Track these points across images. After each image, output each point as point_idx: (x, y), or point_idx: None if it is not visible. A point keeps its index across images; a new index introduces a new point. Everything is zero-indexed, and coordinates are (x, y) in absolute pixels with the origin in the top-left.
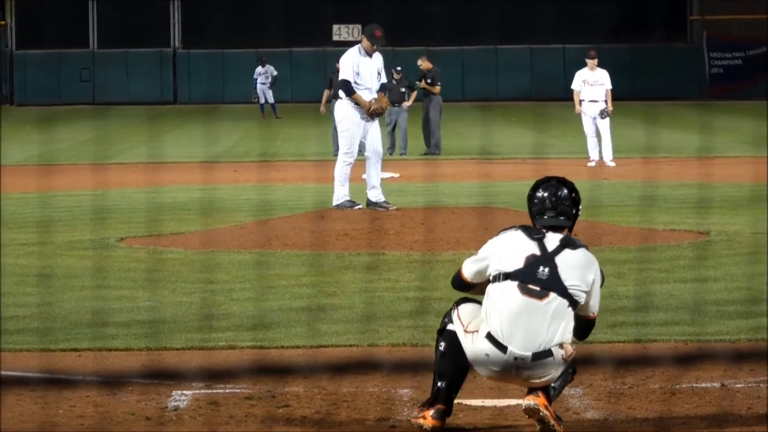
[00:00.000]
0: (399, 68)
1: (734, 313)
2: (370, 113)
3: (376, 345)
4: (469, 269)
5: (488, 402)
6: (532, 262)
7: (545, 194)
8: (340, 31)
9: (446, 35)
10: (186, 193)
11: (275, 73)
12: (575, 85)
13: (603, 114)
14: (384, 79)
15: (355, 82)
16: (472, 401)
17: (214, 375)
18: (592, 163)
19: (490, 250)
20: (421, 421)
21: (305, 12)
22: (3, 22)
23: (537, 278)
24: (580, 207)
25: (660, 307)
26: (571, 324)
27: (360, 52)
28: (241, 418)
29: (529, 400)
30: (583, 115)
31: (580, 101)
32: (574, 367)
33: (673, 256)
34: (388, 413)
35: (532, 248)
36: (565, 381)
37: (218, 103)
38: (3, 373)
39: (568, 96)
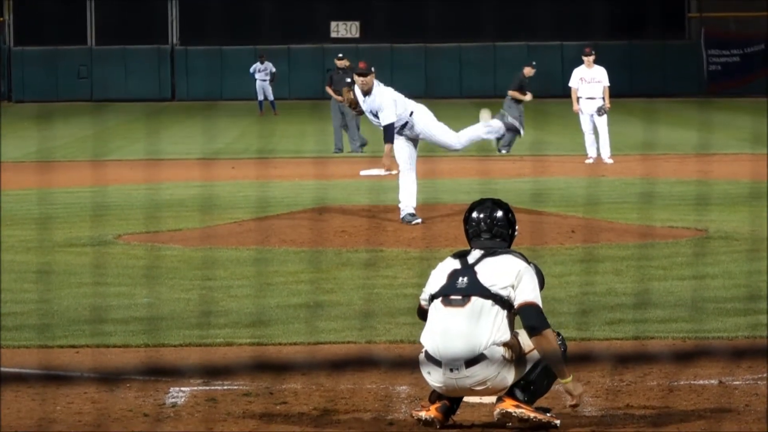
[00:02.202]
0: (340, 54)
1: (732, 310)
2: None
3: (374, 342)
4: (423, 300)
5: (486, 399)
6: (452, 276)
7: (480, 216)
8: (338, 28)
9: (444, 32)
10: (184, 189)
11: (274, 69)
12: (572, 83)
13: (600, 111)
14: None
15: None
16: (469, 398)
17: (212, 372)
18: (590, 160)
19: (428, 281)
20: (423, 413)
21: (303, 9)
22: (1, 19)
23: (457, 288)
24: (517, 228)
25: (658, 304)
26: (504, 322)
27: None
28: (239, 415)
29: (497, 410)
30: (580, 112)
31: (578, 98)
32: (563, 350)
33: (671, 253)
34: (386, 410)
35: (454, 265)
36: (546, 375)
37: (216, 99)
38: (1, 369)
39: (566, 93)
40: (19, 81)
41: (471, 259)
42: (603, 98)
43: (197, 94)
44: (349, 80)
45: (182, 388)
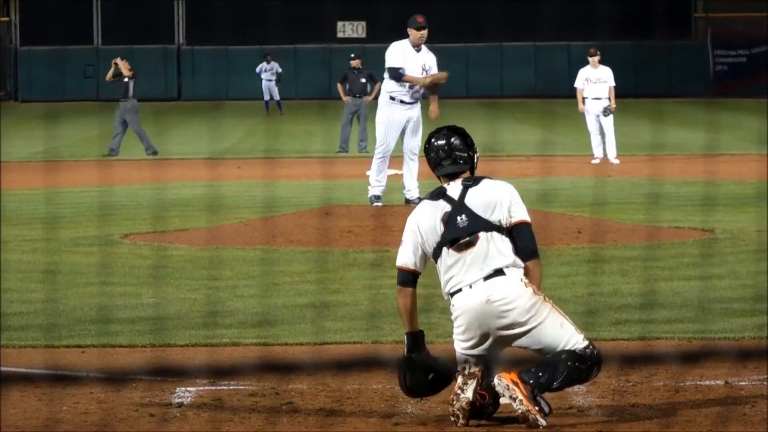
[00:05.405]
0: (353, 54)
1: (739, 310)
2: (429, 86)
3: (380, 342)
4: (406, 258)
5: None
6: (448, 219)
7: (438, 143)
8: (345, 28)
9: (451, 32)
10: (190, 189)
11: (280, 70)
12: (578, 83)
13: (606, 111)
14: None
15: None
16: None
17: (218, 372)
18: (596, 161)
19: (410, 233)
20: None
21: (310, 9)
22: (7, 19)
23: (460, 229)
24: (476, 149)
25: (664, 304)
26: (510, 246)
27: (405, 46)
28: (245, 415)
29: (497, 376)
30: (586, 112)
31: (584, 99)
32: (578, 360)
33: (677, 254)
34: (392, 410)
35: (442, 207)
36: (565, 372)
37: (222, 99)
38: (7, 369)
39: (572, 93)
40: (25, 80)
41: (454, 194)
42: (609, 98)
43: (203, 93)
44: (363, 80)
45: (188, 388)
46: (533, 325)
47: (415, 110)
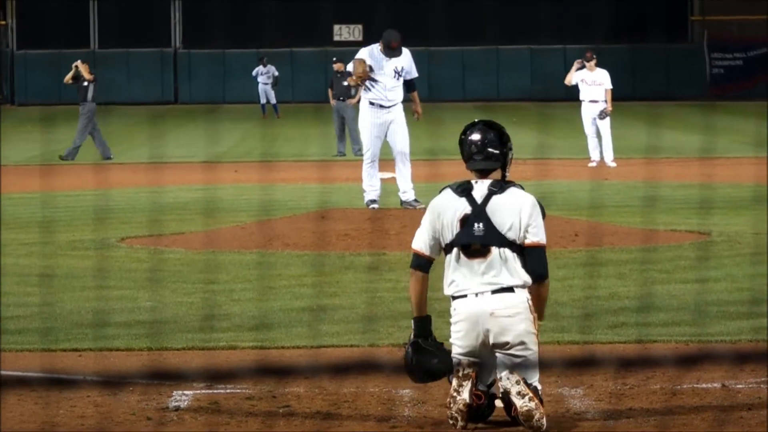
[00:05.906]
0: (335, 58)
1: (735, 313)
2: (354, 84)
3: (376, 345)
4: (422, 243)
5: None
6: (466, 223)
7: (472, 138)
8: (341, 31)
9: (447, 36)
10: (187, 193)
11: (276, 73)
12: (573, 81)
13: (602, 114)
14: (415, 74)
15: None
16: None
17: (215, 375)
18: (593, 164)
19: (430, 222)
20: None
21: (306, 12)
22: (4, 22)
23: (475, 236)
24: (511, 146)
25: (661, 307)
26: (521, 263)
27: (374, 52)
28: (242, 419)
29: (507, 374)
30: (583, 115)
31: (581, 100)
32: (539, 398)
33: (674, 257)
34: (389, 413)
35: (464, 206)
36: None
37: (219, 103)
38: (4, 373)
39: (569, 96)
40: (21, 84)
41: (478, 196)
42: (605, 101)
43: (200, 97)
44: (345, 83)
45: (185, 392)
46: (518, 353)
47: (396, 113)
